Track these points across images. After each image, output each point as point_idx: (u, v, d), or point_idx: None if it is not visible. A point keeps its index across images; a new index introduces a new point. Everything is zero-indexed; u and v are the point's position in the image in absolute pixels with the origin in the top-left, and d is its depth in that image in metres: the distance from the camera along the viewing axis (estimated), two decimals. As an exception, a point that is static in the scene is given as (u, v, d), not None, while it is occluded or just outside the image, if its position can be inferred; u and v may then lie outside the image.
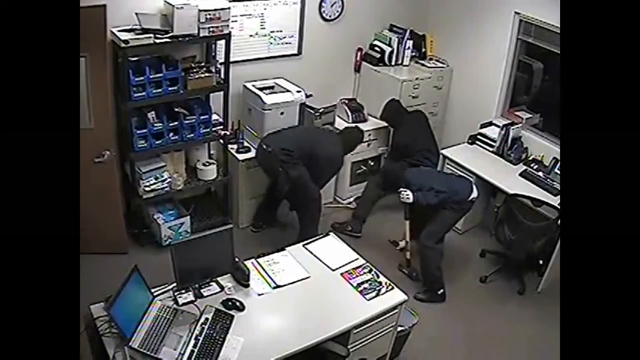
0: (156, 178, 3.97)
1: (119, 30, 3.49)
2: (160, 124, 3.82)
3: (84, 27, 2.09)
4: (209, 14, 3.65)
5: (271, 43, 4.49)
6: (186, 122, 3.91)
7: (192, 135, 3.99)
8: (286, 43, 4.57)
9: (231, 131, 4.23)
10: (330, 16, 4.72)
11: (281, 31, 4.50)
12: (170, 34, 3.56)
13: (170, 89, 3.72)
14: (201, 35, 3.67)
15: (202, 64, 3.95)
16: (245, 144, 4.37)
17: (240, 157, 4.29)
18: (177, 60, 3.78)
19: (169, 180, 4.03)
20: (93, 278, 3.06)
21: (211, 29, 3.69)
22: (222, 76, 4.00)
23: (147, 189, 3.94)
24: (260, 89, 4.26)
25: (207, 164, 4.26)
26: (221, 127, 4.12)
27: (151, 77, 3.63)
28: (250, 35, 4.35)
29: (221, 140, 4.21)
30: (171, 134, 3.90)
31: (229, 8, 3.73)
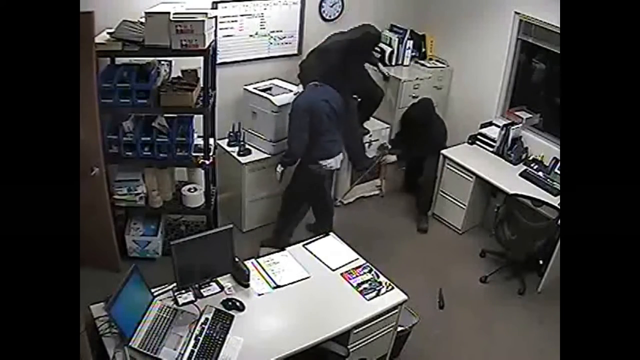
0: (129, 190, 3.80)
1: (107, 33, 3.37)
2: (132, 136, 3.62)
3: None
4: (180, 26, 3.23)
5: (271, 43, 4.49)
6: (159, 140, 3.65)
7: (165, 155, 3.69)
8: (286, 43, 4.57)
9: (210, 163, 3.81)
10: (330, 16, 4.72)
11: (281, 31, 4.50)
12: (141, 44, 3.29)
13: (139, 101, 3.46)
14: (173, 48, 3.30)
15: (184, 81, 3.65)
16: (247, 146, 4.33)
17: (243, 160, 4.25)
18: (152, 72, 3.51)
19: (142, 195, 3.85)
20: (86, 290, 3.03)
21: (184, 43, 3.28)
22: (202, 97, 3.62)
23: (117, 197, 3.79)
24: (263, 91, 4.23)
25: (193, 189, 3.96)
26: (202, 154, 3.75)
27: (118, 85, 3.39)
28: (250, 35, 4.35)
29: (200, 169, 3.89)
30: (146, 149, 3.67)
31: (203, 21, 3.24)
